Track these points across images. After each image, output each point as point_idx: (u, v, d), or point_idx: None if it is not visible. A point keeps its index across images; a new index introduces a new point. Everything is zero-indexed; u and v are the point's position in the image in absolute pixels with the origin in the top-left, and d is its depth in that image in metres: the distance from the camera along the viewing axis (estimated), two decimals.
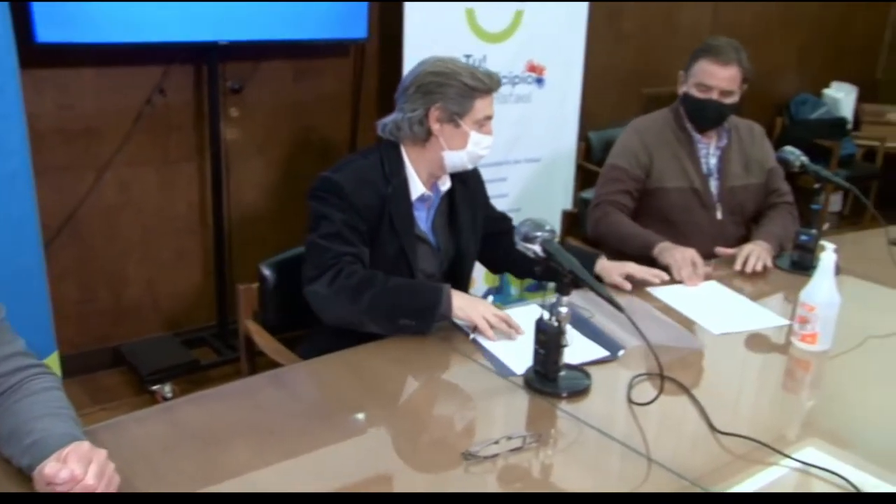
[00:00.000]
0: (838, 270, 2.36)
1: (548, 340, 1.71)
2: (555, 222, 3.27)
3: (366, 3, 3.52)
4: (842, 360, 2.00)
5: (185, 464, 1.45)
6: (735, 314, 2.22)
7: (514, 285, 4.04)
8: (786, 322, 2.16)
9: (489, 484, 1.44)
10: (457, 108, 2.07)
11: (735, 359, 2.03)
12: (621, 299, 1.79)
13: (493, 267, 2.52)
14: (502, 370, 1.83)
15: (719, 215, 2.74)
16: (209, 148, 3.49)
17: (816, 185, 2.51)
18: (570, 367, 1.78)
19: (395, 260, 2.11)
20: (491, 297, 2.13)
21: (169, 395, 3.27)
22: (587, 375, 1.80)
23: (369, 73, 3.91)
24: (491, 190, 2.47)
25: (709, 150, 2.75)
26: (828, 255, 1.97)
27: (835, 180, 2.60)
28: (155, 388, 3.29)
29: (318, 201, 2.07)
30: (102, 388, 3.39)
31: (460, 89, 2.06)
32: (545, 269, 1.77)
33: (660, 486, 1.45)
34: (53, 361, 2.67)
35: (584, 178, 4.26)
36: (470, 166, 2.19)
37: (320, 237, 2.03)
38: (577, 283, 1.70)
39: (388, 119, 2.16)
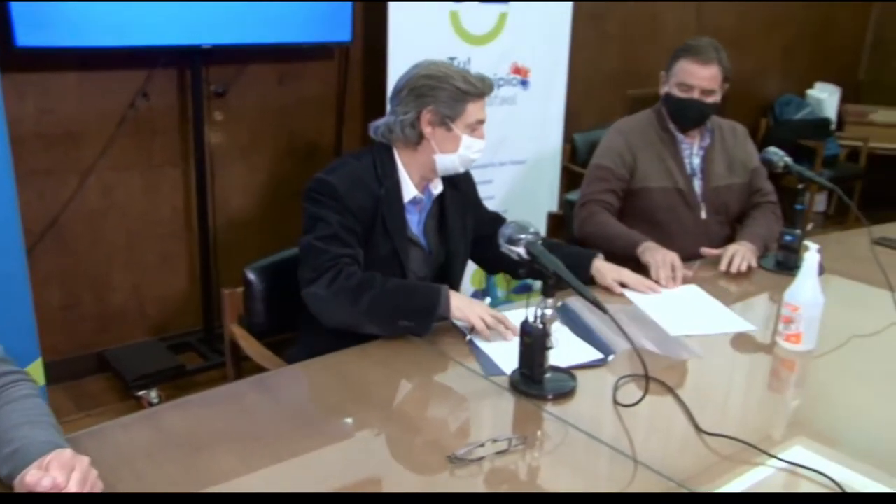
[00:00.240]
0: (822, 270, 2.38)
1: (533, 342, 1.71)
2: (540, 224, 3.27)
3: (350, 6, 3.52)
4: (827, 359, 2.00)
5: (170, 470, 1.44)
6: (701, 317, 2.21)
7: (501, 287, 4.04)
8: (753, 328, 2.16)
9: (475, 487, 1.43)
10: (449, 112, 2.07)
11: (720, 359, 2.03)
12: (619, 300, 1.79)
13: (489, 267, 2.53)
14: (495, 370, 1.83)
15: (703, 215, 2.75)
16: (194, 152, 3.48)
17: (800, 186, 2.52)
18: (555, 369, 1.78)
19: (387, 262, 2.11)
20: (488, 299, 2.13)
21: (155, 400, 3.26)
22: (573, 377, 1.79)
23: (354, 76, 3.91)
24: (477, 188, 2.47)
25: (692, 151, 2.76)
26: (811, 256, 1.97)
27: (818, 180, 2.61)
28: (141, 393, 3.27)
29: (313, 203, 2.06)
30: (87, 394, 3.37)
31: (452, 93, 2.06)
32: (530, 270, 1.77)
33: (646, 487, 1.44)
34: (37, 368, 2.65)
35: (570, 179, 4.27)
36: (462, 170, 2.19)
37: (317, 239, 2.02)
38: (562, 285, 1.70)
39: (381, 121, 2.16)
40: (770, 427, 1.71)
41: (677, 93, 2.66)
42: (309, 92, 3.82)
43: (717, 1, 5.32)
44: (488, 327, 1.97)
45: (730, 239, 2.74)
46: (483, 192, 3.82)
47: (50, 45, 2.89)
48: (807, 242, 2.15)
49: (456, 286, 2.30)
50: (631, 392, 1.74)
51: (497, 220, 2.40)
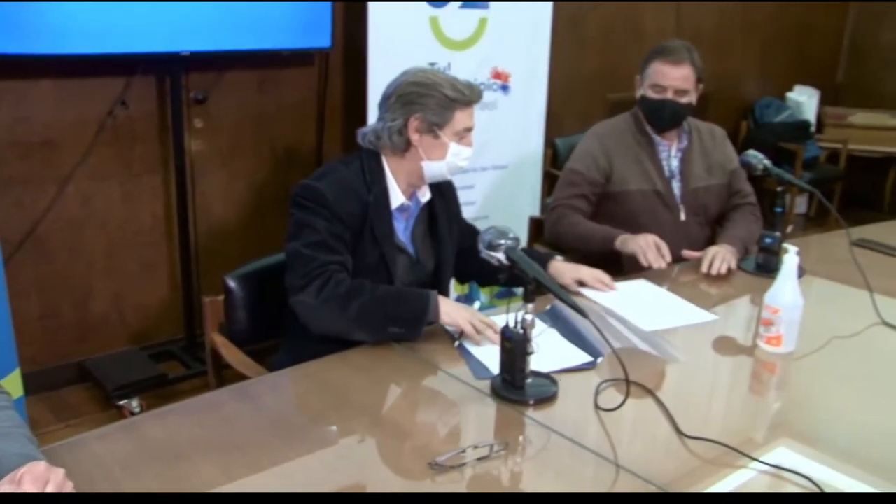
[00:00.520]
0: (802, 272, 2.39)
1: (513, 347, 1.71)
2: (522, 228, 3.28)
3: (329, 12, 3.51)
4: (807, 361, 2.01)
5: (148, 481, 1.42)
6: (663, 312, 2.25)
7: (484, 292, 4.03)
8: (713, 317, 2.21)
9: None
10: (436, 119, 2.07)
11: (701, 363, 2.03)
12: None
13: (462, 278, 2.53)
14: (484, 374, 1.83)
15: (683, 216, 2.76)
16: (174, 159, 3.45)
17: (779, 188, 2.53)
18: (536, 374, 1.78)
19: (374, 269, 2.10)
20: (477, 304, 2.13)
21: (136, 410, 3.22)
22: (554, 382, 1.79)
23: (334, 82, 3.90)
24: (458, 197, 2.47)
25: (670, 153, 2.78)
26: (790, 258, 1.98)
27: (797, 183, 2.62)
28: (122, 403, 3.24)
29: (301, 209, 2.05)
30: (67, 405, 3.33)
31: (440, 100, 2.06)
32: (510, 276, 1.77)
33: (628, 491, 1.44)
34: (15, 379, 2.62)
35: (551, 184, 4.25)
36: (449, 176, 2.19)
37: (305, 246, 2.01)
38: (541, 290, 1.70)
39: (369, 128, 2.16)
40: (752, 429, 1.71)
41: (651, 94, 2.69)
42: (289, 98, 3.80)
43: (697, 0, 5.34)
44: (477, 332, 1.96)
45: (710, 241, 2.76)
46: (465, 196, 3.83)
47: (26, 52, 2.86)
48: (786, 245, 2.16)
49: (445, 292, 2.30)
50: (613, 396, 1.74)
51: (473, 232, 2.42)
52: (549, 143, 4.28)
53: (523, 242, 2.95)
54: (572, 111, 4.74)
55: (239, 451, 1.53)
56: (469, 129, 2.13)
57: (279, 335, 2.26)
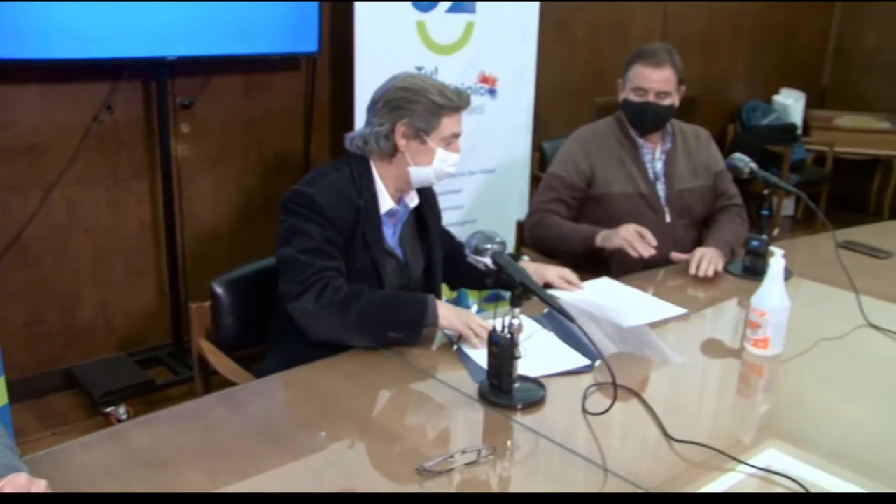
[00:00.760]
0: (788, 275, 2.40)
1: (501, 352, 1.70)
2: (509, 232, 3.28)
3: (316, 16, 3.50)
4: (794, 363, 2.02)
5: (134, 489, 1.41)
6: (634, 308, 2.27)
7: (473, 296, 4.03)
8: (683, 310, 2.25)
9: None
10: (423, 125, 2.07)
11: (689, 366, 2.03)
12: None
13: (448, 282, 2.52)
14: (482, 377, 1.82)
15: (668, 218, 2.76)
16: (160, 165, 3.44)
17: (766, 191, 2.54)
18: (524, 378, 1.78)
19: (365, 274, 2.09)
20: (475, 307, 2.13)
21: (124, 416, 3.21)
22: (542, 386, 1.79)
23: (321, 87, 3.89)
24: (446, 201, 2.48)
25: (654, 155, 2.79)
26: (776, 261, 1.98)
27: (783, 185, 2.63)
28: (109, 410, 3.23)
29: (294, 215, 2.04)
30: (54, 412, 3.31)
31: (428, 106, 2.06)
32: (497, 280, 1.77)
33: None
34: (0, 386, 2.60)
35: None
36: (436, 182, 2.19)
37: (299, 252, 1.99)
38: (528, 294, 1.70)
39: (356, 132, 2.15)
40: (740, 432, 1.72)
41: (633, 97, 2.70)
42: (276, 103, 3.80)
43: (683, 1, 5.36)
44: (476, 335, 1.96)
45: (697, 242, 2.77)
46: (452, 200, 3.85)
47: (11, 56, 2.85)
48: (773, 248, 2.17)
49: (438, 295, 2.30)
50: (600, 400, 1.74)
51: (452, 239, 2.43)
52: (537, 146, 4.29)
53: (511, 247, 2.96)
54: (559, 115, 4.75)
55: (226, 457, 1.52)
56: (457, 135, 2.13)
57: (266, 341, 2.25)
